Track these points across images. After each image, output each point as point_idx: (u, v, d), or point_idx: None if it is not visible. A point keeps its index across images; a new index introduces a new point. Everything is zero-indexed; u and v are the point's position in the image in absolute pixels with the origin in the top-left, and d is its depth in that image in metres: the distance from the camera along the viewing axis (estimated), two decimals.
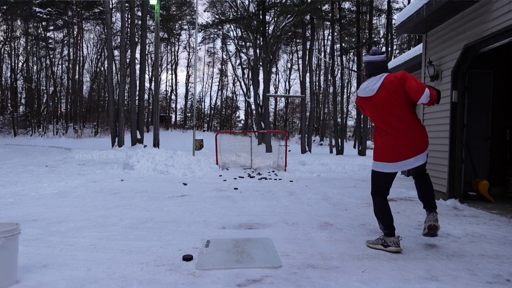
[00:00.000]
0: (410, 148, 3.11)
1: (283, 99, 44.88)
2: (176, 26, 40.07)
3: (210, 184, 7.46)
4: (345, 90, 35.82)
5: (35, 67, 35.79)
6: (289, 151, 8.08)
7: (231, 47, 38.81)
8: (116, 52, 28.87)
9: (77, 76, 36.25)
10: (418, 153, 3.12)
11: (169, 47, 42.23)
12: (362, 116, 24.51)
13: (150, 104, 37.55)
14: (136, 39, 21.94)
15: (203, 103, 47.01)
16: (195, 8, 22.45)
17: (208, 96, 47.34)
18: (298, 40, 35.95)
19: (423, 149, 3.14)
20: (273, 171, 9.99)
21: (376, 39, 28.33)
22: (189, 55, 43.83)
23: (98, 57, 37.37)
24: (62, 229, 3.75)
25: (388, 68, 3.54)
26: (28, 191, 6.06)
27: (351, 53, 33.12)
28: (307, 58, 25.26)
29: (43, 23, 33.33)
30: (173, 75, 44.11)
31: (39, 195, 5.79)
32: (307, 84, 26.02)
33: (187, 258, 2.86)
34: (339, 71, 29.79)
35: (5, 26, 33.77)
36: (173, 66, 43.92)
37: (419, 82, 3.08)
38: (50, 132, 34.09)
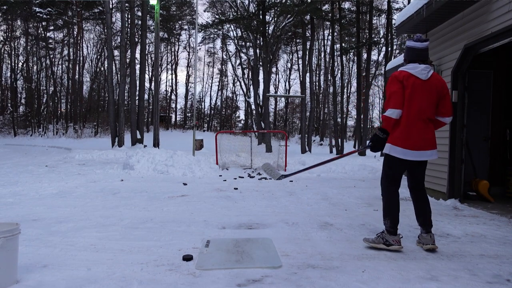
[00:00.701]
0: (431, 141, 3.15)
1: (283, 99, 44.89)
2: (176, 26, 40.06)
3: (210, 184, 7.46)
4: (345, 90, 35.82)
5: (35, 67, 35.80)
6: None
7: (231, 47, 38.84)
8: (116, 52, 28.86)
9: (77, 76, 36.25)
10: (434, 148, 3.18)
11: (169, 47, 42.24)
12: (362, 116, 24.50)
13: (150, 104, 37.55)
14: (136, 39, 21.94)
15: (203, 103, 47.06)
16: (195, 8, 22.45)
17: (208, 96, 47.40)
18: (298, 40, 35.95)
19: (436, 146, 3.20)
20: None
21: (376, 39, 28.32)
22: (189, 55, 43.86)
23: (98, 57, 37.38)
24: (62, 229, 3.75)
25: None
26: (28, 191, 6.06)
27: (351, 53, 33.10)
28: (307, 58, 25.26)
29: (43, 23, 33.33)
30: (173, 75, 44.14)
31: (39, 195, 5.79)
32: (307, 84, 26.02)
33: (187, 258, 2.86)
34: (339, 71, 29.79)
35: (5, 26, 33.80)
36: (173, 66, 43.95)
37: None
38: (50, 132, 34.09)
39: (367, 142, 3.36)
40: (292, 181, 8.16)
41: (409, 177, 3.34)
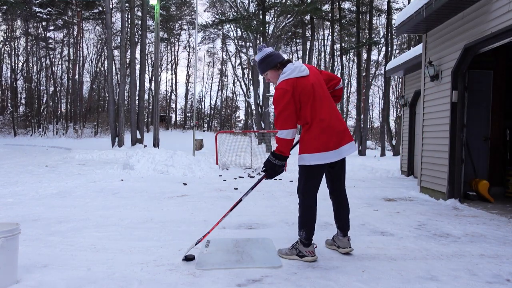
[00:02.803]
0: (344, 135, 2.91)
1: None
2: (176, 26, 40.05)
3: (210, 184, 7.46)
4: (345, 90, 35.81)
5: (35, 67, 35.81)
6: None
7: (231, 47, 38.80)
8: (116, 52, 28.85)
9: (77, 76, 36.25)
10: (350, 141, 2.93)
11: (169, 47, 42.23)
12: (362, 116, 24.50)
13: (150, 104, 37.55)
14: (136, 39, 21.93)
15: (203, 103, 47.04)
16: (195, 8, 22.45)
17: (208, 96, 47.26)
18: (298, 40, 35.93)
19: (351, 139, 2.94)
20: None
21: (376, 39, 28.31)
22: (189, 55, 43.85)
23: (98, 57, 37.37)
24: (62, 229, 3.75)
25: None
26: (28, 191, 6.06)
27: (351, 53, 33.09)
28: (307, 58, 25.25)
29: (43, 23, 33.33)
30: (173, 75, 44.12)
31: (39, 195, 5.80)
32: None
33: (189, 258, 2.85)
34: (339, 71, 29.80)
35: (5, 26, 33.81)
36: (173, 66, 43.93)
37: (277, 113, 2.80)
38: (50, 132, 34.10)
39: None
40: (292, 181, 8.15)
41: (329, 180, 3.16)
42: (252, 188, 3.12)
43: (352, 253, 3.08)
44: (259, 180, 3.11)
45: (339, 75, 30.39)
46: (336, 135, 2.82)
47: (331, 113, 2.84)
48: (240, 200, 3.09)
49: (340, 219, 3.09)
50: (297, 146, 3.00)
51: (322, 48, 35.95)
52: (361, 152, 22.37)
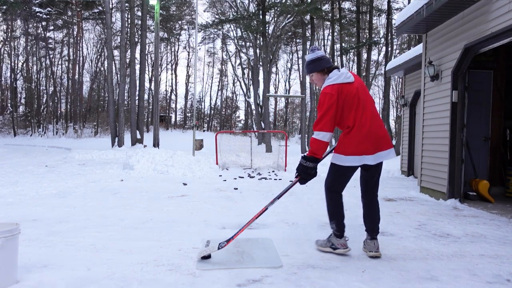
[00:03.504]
0: (384, 141, 2.96)
1: (283, 99, 44.89)
2: (176, 26, 40.04)
3: (210, 184, 7.46)
4: None
5: (35, 67, 35.81)
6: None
7: (231, 47, 38.78)
8: (116, 52, 28.85)
9: (77, 76, 36.26)
10: (389, 148, 2.99)
11: (169, 47, 42.23)
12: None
13: (150, 104, 37.54)
14: (136, 39, 21.93)
15: (203, 103, 47.02)
16: (195, 8, 22.45)
17: (208, 96, 47.25)
18: (298, 40, 35.93)
19: (391, 146, 2.99)
20: (273, 171, 9.99)
21: (376, 39, 28.30)
22: (189, 55, 43.84)
23: (98, 57, 37.37)
24: (62, 229, 3.75)
25: None
26: (28, 191, 6.06)
27: (351, 53, 33.09)
28: None
29: (43, 23, 33.31)
30: (173, 75, 44.12)
31: (39, 195, 5.79)
32: (307, 84, 26.00)
33: (206, 256, 2.83)
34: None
35: (5, 26, 33.80)
36: (173, 66, 43.93)
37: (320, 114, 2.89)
38: (50, 132, 34.09)
39: None
40: (292, 181, 8.15)
41: (362, 183, 3.21)
42: (283, 193, 3.14)
43: (352, 253, 3.08)
44: (291, 185, 3.15)
45: None
46: (375, 141, 2.89)
47: (373, 118, 2.92)
48: (266, 208, 3.08)
49: (368, 222, 3.07)
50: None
51: (322, 48, 35.92)
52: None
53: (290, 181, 8.15)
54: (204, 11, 37.39)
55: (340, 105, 2.84)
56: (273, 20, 24.30)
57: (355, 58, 24.64)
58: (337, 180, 3.06)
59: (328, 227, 3.97)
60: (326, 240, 3.14)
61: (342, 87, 2.85)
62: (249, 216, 4.50)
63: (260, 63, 25.32)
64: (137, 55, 21.55)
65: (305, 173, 2.94)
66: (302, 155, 3.01)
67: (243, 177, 8.71)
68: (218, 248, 2.86)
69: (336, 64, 3.30)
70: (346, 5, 27.32)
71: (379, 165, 3.03)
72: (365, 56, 27.86)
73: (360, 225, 4.09)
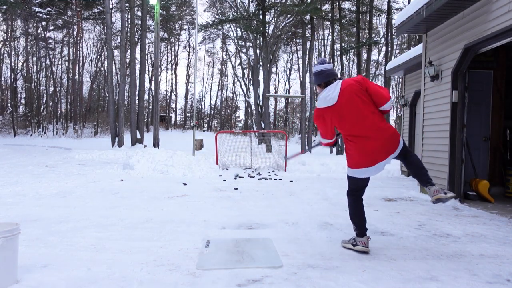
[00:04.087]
0: (381, 151, 3.00)
1: (283, 99, 44.89)
2: (176, 26, 40.04)
3: (210, 184, 7.46)
4: None
5: (35, 67, 35.79)
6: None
7: (231, 47, 38.79)
8: (116, 52, 28.85)
9: (77, 76, 36.24)
10: (389, 154, 3.02)
11: (169, 47, 42.23)
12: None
13: (150, 104, 37.55)
14: (136, 39, 21.93)
15: (203, 103, 47.02)
16: (195, 8, 22.46)
17: (208, 96, 47.29)
18: (298, 40, 35.93)
19: (394, 149, 3.03)
20: (273, 171, 9.99)
21: (376, 39, 28.31)
22: (189, 55, 43.85)
23: (98, 57, 37.38)
24: (62, 229, 3.75)
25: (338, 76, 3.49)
26: (28, 191, 6.06)
27: (351, 53, 33.09)
28: (307, 58, 25.24)
29: (43, 23, 33.32)
30: (173, 75, 44.12)
31: (39, 195, 5.79)
32: (307, 84, 26.00)
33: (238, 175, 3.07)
34: (339, 71, 29.78)
35: (5, 26, 33.80)
36: (173, 66, 43.93)
37: (382, 87, 3.12)
38: (50, 132, 34.09)
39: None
40: (292, 181, 8.16)
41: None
42: (293, 156, 3.91)
43: (352, 253, 3.08)
44: (314, 146, 3.82)
45: (339, 75, 30.41)
46: (371, 154, 3.02)
47: (366, 129, 3.01)
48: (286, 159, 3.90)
49: (419, 178, 3.08)
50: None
51: (322, 48, 35.92)
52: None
53: (290, 181, 8.15)
54: (204, 11, 37.41)
55: (330, 120, 3.15)
56: (273, 20, 24.29)
57: (355, 58, 24.64)
58: (350, 186, 3.31)
59: (328, 227, 3.98)
60: (351, 237, 3.29)
61: (325, 111, 3.12)
62: (249, 216, 4.51)
63: (260, 63, 25.32)
64: (137, 55, 21.54)
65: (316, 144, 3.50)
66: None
67: (243, 177, 8.71)
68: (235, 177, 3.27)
69: (336, 72, 3.35)
70: (346, 5, 27.32)
71: (405, 150, 3.12)
72: (365, 56, 27.87)
73: None
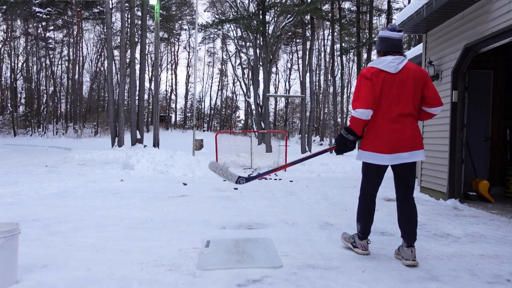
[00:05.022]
0: (409, 141, 2.78)
1: (283, 99, 44.89)
2: (176, 26, 40.06)
3: (210, 184, 7.46)
4: (345, 90, 35.80)
5: (35, 67, 35.80)
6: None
7: (231, 47, 38.81)
8: (116, 52, 28.85)
9: (77, 76, 36.25)
10: (415, 149, 2.81)
11: (169, 47, 42.23)
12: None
13: (150, 104, 37.56)
14: (136, 39, 21.93)
15: (203, 103, 47.04)
16: (195, 8, 22.45)
17: (208, 96, 47.26)
18: (298, 40, 35.95)
19: (420, 146, 2.84)
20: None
21: (376, 39, 28.31)
22: (189, 55, 43.86)
23: (98, 57, 37.39)
24: (62, 229, 3.75)
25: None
26: (28, 191, 6.05)
27: (351, 53, 33.10)
28: (307, 58, 25.25)
29: (43, 23, 33.33)
30: (173, 75, 44.13)
31: (39, 195, 5.79)
32: (307, 84, 26.02)
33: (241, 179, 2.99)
34: (339, 71, 29.80)
35: (5, 26, 33.80)
36: (173, 66, 43.94)
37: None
38: (50, 132, 34.10)
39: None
40: (292, 181, 8.16)
41: (394, 185, 2.98)
42: (312, 156, 3.17)
43: (352, 253, 3.08)
44: (325, 150, 3.16)
45: (339, 75, 30.43)
46: (395, 141, 2.77)
47: (402, 117, 2.79)
48: (292, 163, 3.18)
49: (403, 228, 2.91)
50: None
51: (322, 48, 35.93)
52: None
53: (290, 181, 8.15)
54: (204, 11, 37.45)
55: (379, 86, 2.78)
56: (273, 20, 24.30)
57: (355, 58, 24.63)
58: (363, 179, 3.04)
59: (328, 227, 3.98)
60: (352, 235, 3.19)
61: (380, 72, 2.79)
62: (249, 216, 4.51)
63: (260, 63, 25.33)
64: (137, 55, 21.55)
65: (343, 145, 2.89)
66: (345, 126, 2.93)
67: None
68: (237, 182, 3.01)
69: (403, 47, 3.10)
70: (346, 5, 27.35)
71: (408, 166, 2.87)
72: (365, 56, 27.87)
73: None
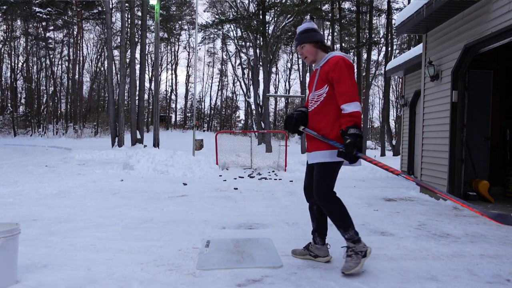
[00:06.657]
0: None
1: (283, 99, 44.89)
2: (176, 26, 40.05)
3: (210, 184, 7.46)
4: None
5: (35, 67, 35.83)
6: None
7: (231, 47, 38.81)
8: (116, 52, 28.86)
9: (77, 76, 36.27)
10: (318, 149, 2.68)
11: (169, 47, 42.23)
12: (362, 116, 24.47)
13: (150, 104, 37.55)
14: (136, 39, 21.93)
15: (203, 103, 47.01)
16: (195, 8, 22.46)
17: (208, 96, 47.26)
18: None
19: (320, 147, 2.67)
20: (273, 171, 9.99)
21: (376, 39, 28.31)
22: (189, 55, 43.84)
23: (98, 57, 37.40)
24: (62, 229, 3.75)
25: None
26: (28, 191, 6.06)
27: (351, 53, 33.07)
28: None
29: (43, 23, 33.34)
30: (173, 75, 44.12)
31: (39, 195, 5.79)
32: (307, 84, 26.06)
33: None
34: None
35: (5, 26, 33.80)
36: (173, 66, 43.93)
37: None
38: (50, 132, 34.11)
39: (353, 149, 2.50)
40: (292, 181, 8.15)
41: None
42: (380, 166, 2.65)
43: None
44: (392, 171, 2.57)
45: None
46: (307, 140, 2.86)
47: (312, 115, 2.82)
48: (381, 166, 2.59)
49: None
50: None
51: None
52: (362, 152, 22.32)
53: (290, 181, 8.14)
54: (204, 11, 37.45)
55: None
56: (273, 20, 24.31)
57: (355, 58, 24.62)
58: (330, 179, 2.73)
59: (328, 227, 3.97)
60: (350, 258, 2.60)
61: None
62: (249, 216, 4.51)
63: (260, 63, 25.34)
64: (137, 55, 21.55)
65: (360, 144, 2.52)
66: (354, 125, 2.55)
67: (243, 177, 8.71)
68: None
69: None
70: (346, 5, 27.34)
71: (315, 166, 2.72)
72: (365, 56, 27.86)
73: (361, 225, 4.10)
